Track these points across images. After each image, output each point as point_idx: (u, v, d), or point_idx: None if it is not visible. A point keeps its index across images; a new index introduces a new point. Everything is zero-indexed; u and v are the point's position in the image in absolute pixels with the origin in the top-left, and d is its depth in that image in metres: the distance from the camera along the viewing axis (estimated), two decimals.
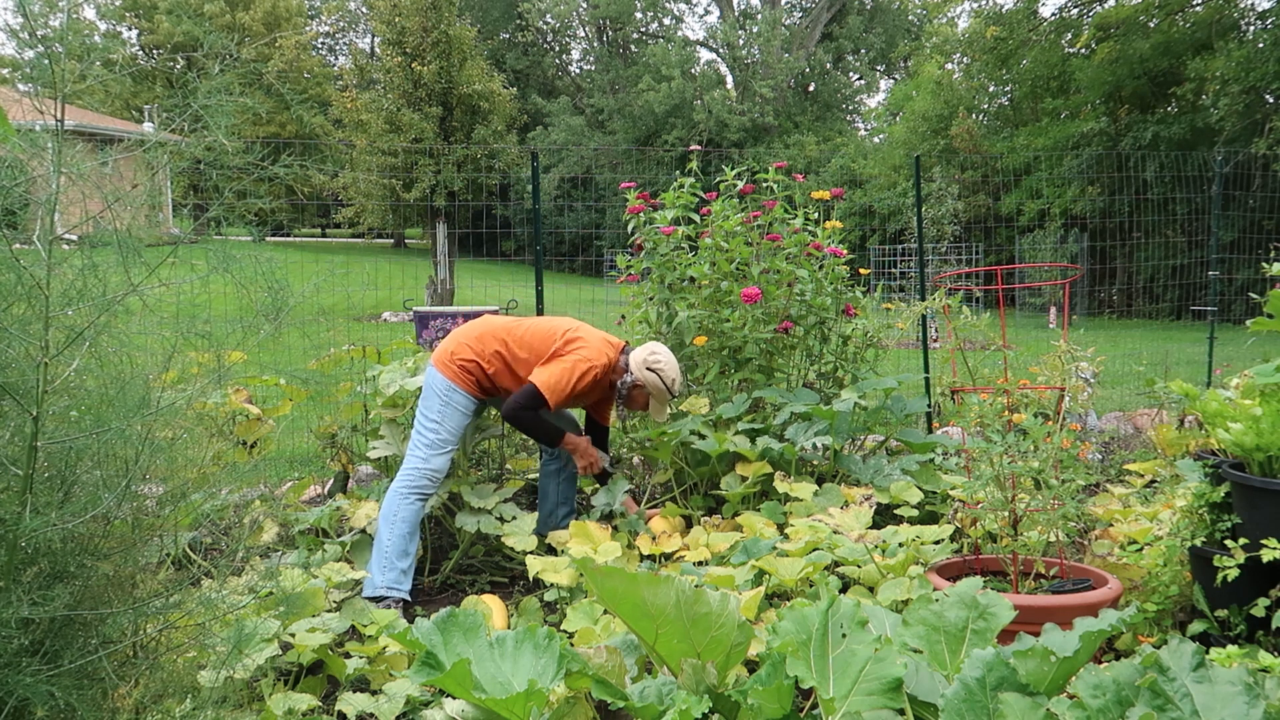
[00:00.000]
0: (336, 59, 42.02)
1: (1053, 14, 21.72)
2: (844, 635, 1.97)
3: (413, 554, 3.43)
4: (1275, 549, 2.47)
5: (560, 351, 3.52)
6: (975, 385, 3.17)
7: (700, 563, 3.28)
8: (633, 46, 38.03)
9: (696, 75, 33.19)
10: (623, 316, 5.23)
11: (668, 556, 3.45)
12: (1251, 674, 1.70)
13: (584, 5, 36.14)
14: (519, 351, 3.54)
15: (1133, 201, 15.32)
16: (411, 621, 2.99)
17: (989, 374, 3.23)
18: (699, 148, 5.19)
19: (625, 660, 2.28)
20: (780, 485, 3.81)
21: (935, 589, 2.60)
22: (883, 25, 36.54)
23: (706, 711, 1.94)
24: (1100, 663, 2.20)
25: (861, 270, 5.69)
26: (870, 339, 4.85)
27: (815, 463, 4.28)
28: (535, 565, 3.20)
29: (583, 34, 39.26)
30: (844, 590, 3.01)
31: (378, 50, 25.15)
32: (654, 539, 3.54)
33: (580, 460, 3.71)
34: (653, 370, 3.61)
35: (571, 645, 2.52)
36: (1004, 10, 22.36)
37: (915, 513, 3.66)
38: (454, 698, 2.35)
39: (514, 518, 3.69)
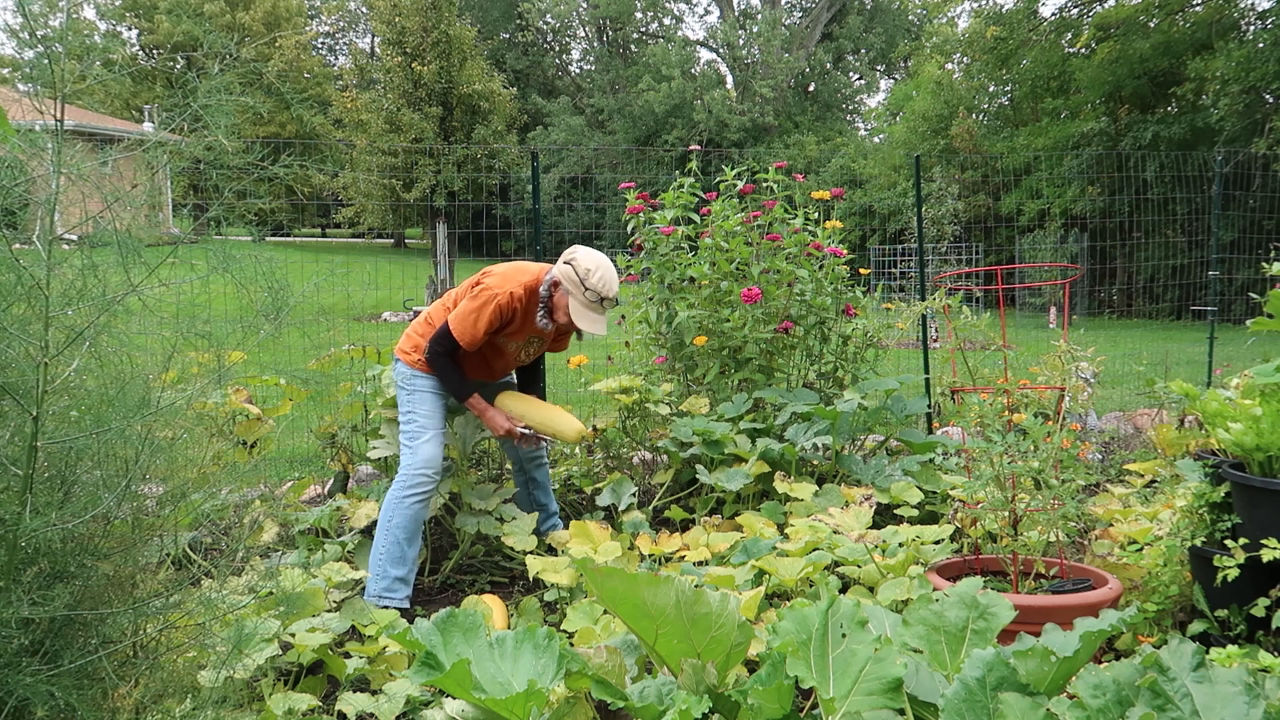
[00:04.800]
0: (336, 59, 42.03)
1: (1053, 14, 21.73)
2: (844, 635, 1.97)
3: (411, 559, 3.35)
4: (1275, 549, 2.47)
5: (467, 294, 3.44)
6: (975, 385, 3.17)
7: (700, 563, 3.28)
8: (633, 46, 38.02)
9: (696, 75, 33.17)
10: (623, 316, 5.23)
11: (668, 557, 3.45)
12: (1251, 674, 1.70)
13: (584, 5, 36.13)
14: (448, 312, 3.49)
15: (1133, 201, 15.32)
16: (411, 622, 2.99)
17: (989, 374, 3.23)
18: (699, 148, 5.19)
19: (625, 660, 2.28)
20: (780, 485, 3.82)
21: (935, 589, 2.60)
22: (883, 25, 36.53)
23: (706, 711, 1.94)
24: (1100, 663, 2.20)
25: (861, 270, 5.70)
26: (870, 339, 4.85)
27: (815, 463, 4.28)
28: (535, 565, 3.20)
29: (583, 34, 39.26)
30: (844, 590, 3.01)
31: (378, 50, 25.17)
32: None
33: (487, 425, 3.55)
34: (568, 263, 3.39)
35: (571, 645, 2.52)
36: (1004, 10, 22.37)
37: (915, 513, 3.66)
38: (454, 698, 2.35)
39: (514, 518, 3.69)
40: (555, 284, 3.42)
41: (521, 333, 3.54)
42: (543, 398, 3.96)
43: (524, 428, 3.60)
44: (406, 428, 3.47)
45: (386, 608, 3.26)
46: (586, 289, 3.36)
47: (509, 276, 3.42)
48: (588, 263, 3.36)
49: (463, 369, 3.50)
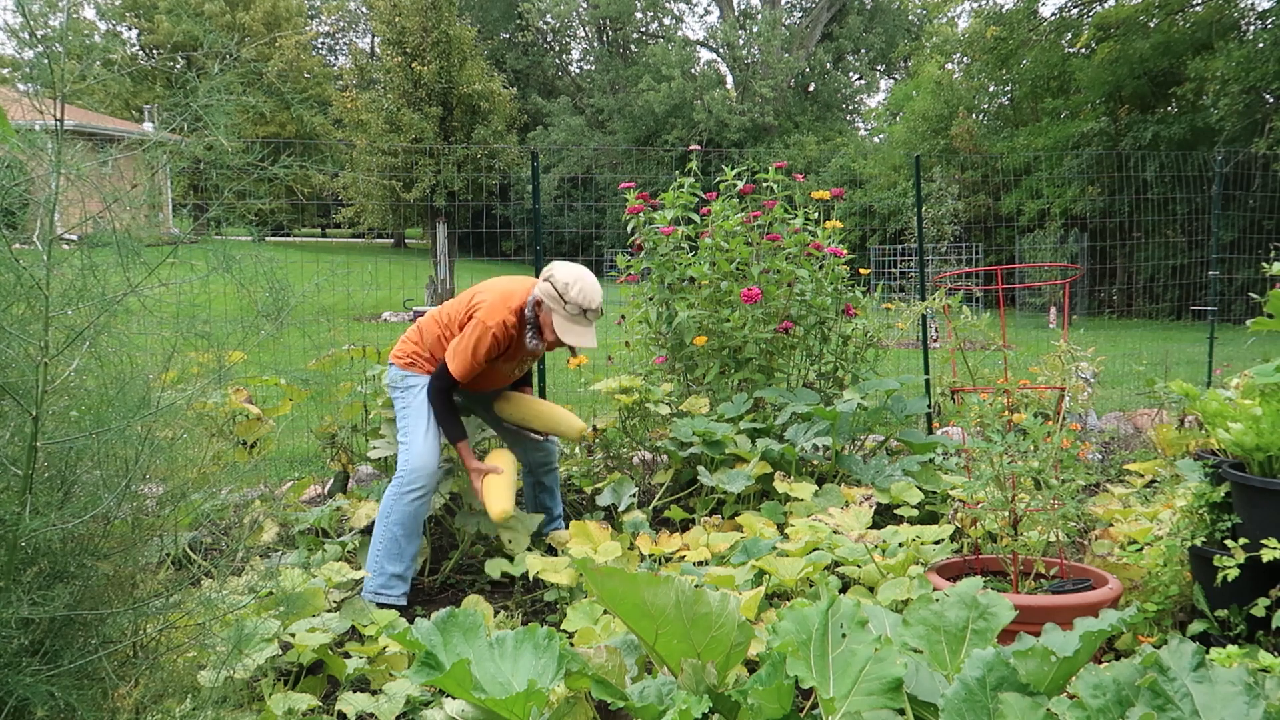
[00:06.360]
0: (336, 59, 42.03)
1: (1053, 14, 21.74)
2: (844, 635, 1.96)
3: (410, 556, 3.36)
4: (1275, 549, 2.47)
5: (462, 323, 3.44)
6: (975, 385, 3.17)
7: (700, 563, 3.28)
8: (633, 46, 38.03)
9: (696, 75, 33.18)
10: (623, 316, 5.23)
11: (668, 557, 3.45)
12: (1251, 674, 1.70)
13: (584, 5, 36.13)
14: (445, 327, 3.50)
15: (1133, 201, 15.32)
16: (411, 622, 2.99)
17: (989, 374, 3.23)
18: (699, 148, 5.20)
19: (625, 660, 2.27)
20: (780, 485, 3.82)
21: (935, 589, 2.60)
22: (883, 25, 36.54)
23: (706, 711, 1.94)
24: (1100, 663, 2.20)
25: (861, 270, 5.70)
26: (870, 339, 4.85)
27: (815, 463, 4.28)
28: (535, 565, 3.20)
29: (583, 34, 39.27)
30: (844, 590, 3.01)
31: (378, 50, 25.17)
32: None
33: (468, 474, 3.54)
34: (546, 279, 3.38)
35: (571, 645, 2.52)
36: (1004, 10, 22.38)
37: (915, 513, 3.66)
38: (454, 698, 2.35)
39: (514, 518, 3.69)
40: (538, 303, 3.41)
41: (516, 355, 3.57)
42: (542, 394, 3.98)
43: (532, 430, 3.67)
44: (403, 424, 3.48)
45: (383, 604, 3.26)
46: (567, 303, 3.35)
47: (498, 304, 3.40)
48: (565, 276, 3.35)
49: (456, 411, 3.50)
